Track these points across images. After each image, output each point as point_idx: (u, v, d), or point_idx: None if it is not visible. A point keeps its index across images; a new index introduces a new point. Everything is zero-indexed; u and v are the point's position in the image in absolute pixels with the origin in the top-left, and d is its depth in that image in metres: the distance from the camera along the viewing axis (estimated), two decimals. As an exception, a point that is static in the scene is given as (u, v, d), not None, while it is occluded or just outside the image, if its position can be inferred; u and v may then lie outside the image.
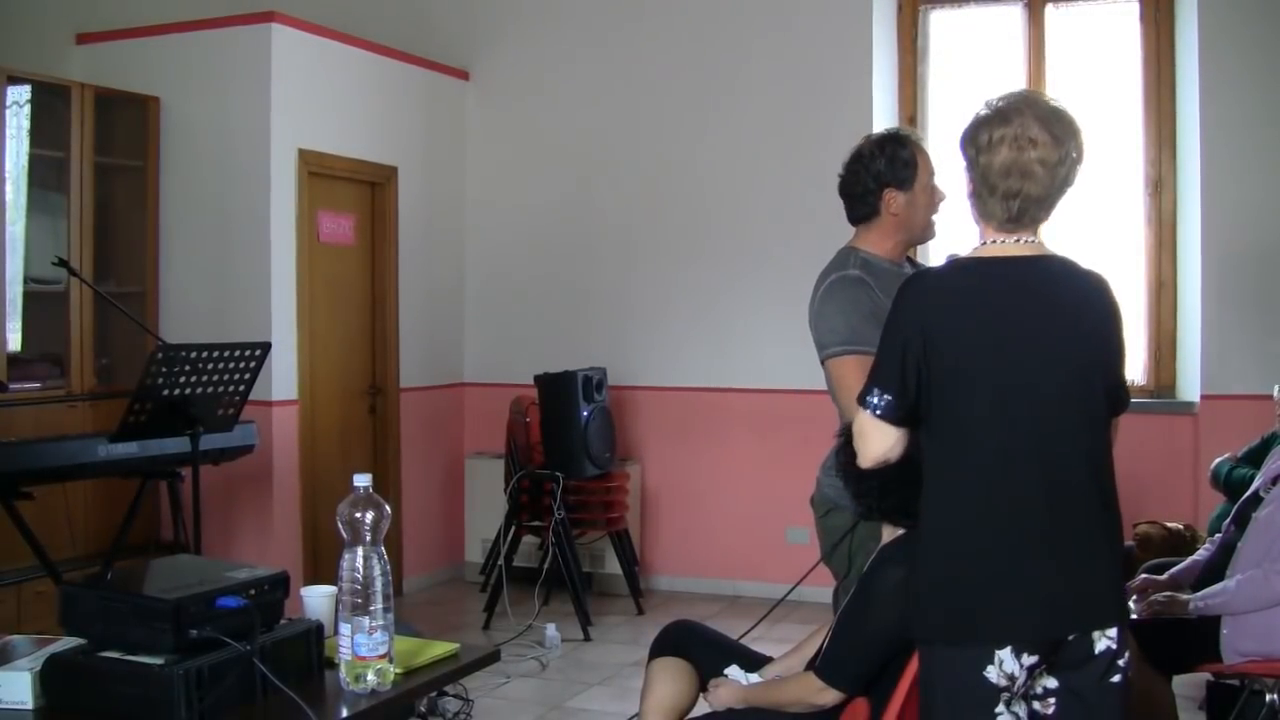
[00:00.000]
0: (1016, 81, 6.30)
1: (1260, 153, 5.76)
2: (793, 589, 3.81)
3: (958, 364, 2.23)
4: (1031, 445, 2.23)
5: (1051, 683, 2.26)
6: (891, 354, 2.28)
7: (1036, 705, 2.27)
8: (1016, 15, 6.41)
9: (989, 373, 2.23)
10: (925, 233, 3.30)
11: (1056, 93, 6.16)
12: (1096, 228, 6.17)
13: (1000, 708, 2.22)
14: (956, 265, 2.37)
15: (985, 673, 2.20)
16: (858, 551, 3.15)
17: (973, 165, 2.31)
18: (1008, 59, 6.41)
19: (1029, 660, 2.21)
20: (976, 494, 2.25)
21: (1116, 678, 2.27)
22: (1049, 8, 6.34)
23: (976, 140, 2.29)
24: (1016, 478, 2.23)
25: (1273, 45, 5.75)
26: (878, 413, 2.28)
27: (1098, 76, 6.29)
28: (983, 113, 2.31)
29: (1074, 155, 2.28)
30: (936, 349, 2.23)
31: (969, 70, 6.50)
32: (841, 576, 3.23)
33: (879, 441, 2.31)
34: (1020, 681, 2.22)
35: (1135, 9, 6.18)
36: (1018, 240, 2.31)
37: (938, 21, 6.59)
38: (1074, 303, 2.31)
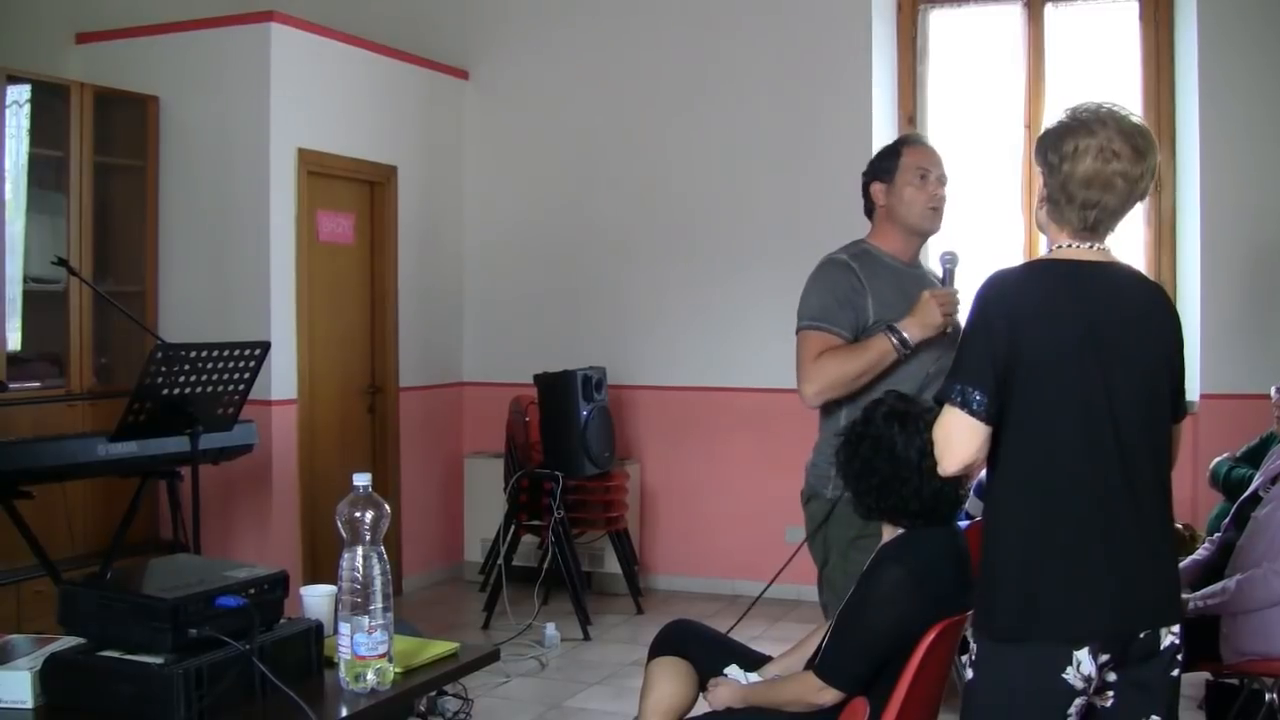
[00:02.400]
0: (1016, 81, 6.31)
1: (1259, 153, 5.77)
2: (768, 586, 3.86)
3: (1041, 360, 2.24)
4: (1111, 443, 2.25)
5: (1111, 677, 2.28)
6: (980, 351, 2.26)
7: (1097, 699, 2.29)
8: (1016, 15, 6.41)
9: (1071, 370, 2.25)
10: (921, 223, 3.35)
11: (1056, 92, 6.25)
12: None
13: (1072, 710, 2.23)
14: (1033, 266, 2.39)
15: (1064, 674, 2.21)
16: (832, 544, 3.22)
17: (1053, 172, 2.32)
18: (1007, 59, 6.41)
19: (1103, 659, 2.23)
20: (1059, 493, 2.25)
21: (1176, 671, 2.33)
22: (1048, 7, 6.34)
23: (1060, 148, 2.30)
24: (1098, 475, 2.25)
25: (1272, 45, 5.76)
26: (973, 410, 2.23)
27: (1097, 76, 6.29)
28: (1066, 121, 2.33)
29: (1152, 169, 2.32)
30: (1021, 345, 2.23)
31: (969, 70, 6.51)
32: (820, 566, 3.31)
33: (970, 441, 2.24)
34: (1095, 682, 2.23)
35: (1135, 8, 6.18)
36: (1090, 247, 2.34)
37: (937, 21, 6.59)
38: (1144, 307, 2.35)
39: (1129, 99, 6.15)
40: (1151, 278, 2.47)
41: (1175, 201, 6.11)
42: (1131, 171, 2.28)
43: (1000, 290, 2.32)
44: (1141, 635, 2.26)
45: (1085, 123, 2.30)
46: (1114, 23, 6.28)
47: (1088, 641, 2.20)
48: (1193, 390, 5.91)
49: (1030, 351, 2.24)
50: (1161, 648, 2.29)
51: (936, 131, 6.56)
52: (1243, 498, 3.81)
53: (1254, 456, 4.48)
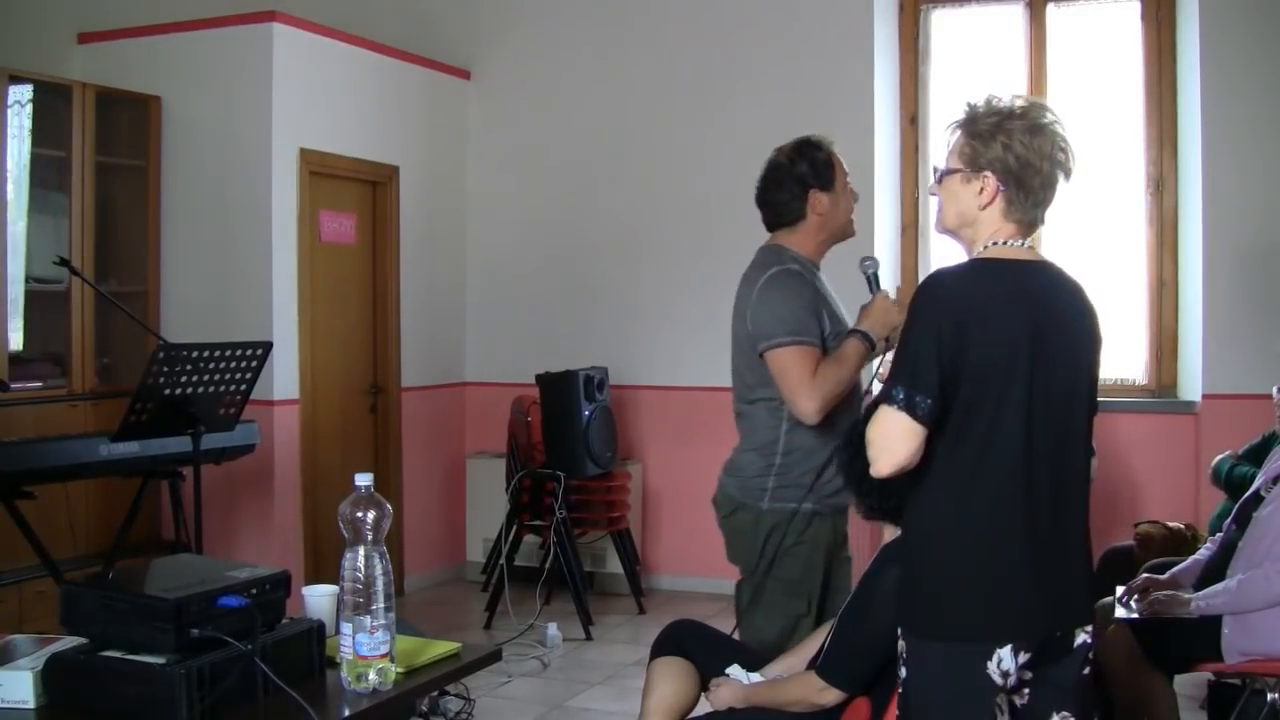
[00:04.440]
0: (1018, 81, 6.30)
1: (1261, 152, 5.76)
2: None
3: (986, 362, 2.23)
4: (1046, 445, 2.25)
5: (1027, 675, 2.29)
6: (925, 352, 2.21)
7: (1014, 697, 2.30)
8: (1018, 15, 6.41)
9: (1013, 372, 2.23)
10: (846, 230, 3.45)
11: (1058, 92, 6.24)
12: (1098, 227, 6.17)
13: (995, 703, 2.25)
14: (973, 267, 2.35)
15: (987, 670, 2.22)
16: (767, 553, 3.25)
17: (1001, 169, 2.29)
18: (1009, 58, 6.40)
19: (1024, 658, 2.24)
20: (995, 492, 2.25)
21: (1087, 670, 2.34)
22: (1050, 7, 6.34)
23: (1012, 146, 2.28)
24: (1033, 476, 2.25)
25: (1274, 44, 5.75)
26: (917, 414, 2.19)
27: (1099, 76, 6.29)
28: (1015, 123, 2.29)
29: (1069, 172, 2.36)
30: (968, 347, 2.21)
31: (971, 70, 6.50)
32: (748, 573, 3.35)
33: (909, 444, 2.20)
34: (1013, 678, 2.25)
35: (1136, 8, 6.18)
36: (1022, 244, 2.34)
37: (939, 21, 6.59)
38: (1071, 307, 2.35)
39: (1130, 98, 6.18)
40: (1075, 279, 2.43)
41: (1177, 201, 6.11)
42: (1072, 168, 2.34)
43: (944, 291, 2.28)
44: (1058, 634, 2.29)
45: (1035, 124, 2.31)
46: (1116, 22, 6.27)
47: (1016, 639, 2.22)
48: (1194, 390, 5.92)
49: (977, 355, 2.21)
50: (1075, 645, 2.32)
51: (938, 132, 6.56)
52: (1244, 497, 3.80)
53: (1256, 455, 4.48)
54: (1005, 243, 2.33)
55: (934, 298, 2.27)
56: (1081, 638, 2.32)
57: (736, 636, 3.35)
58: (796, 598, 3.27)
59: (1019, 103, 2.32)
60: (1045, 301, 2.30)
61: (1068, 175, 2.33)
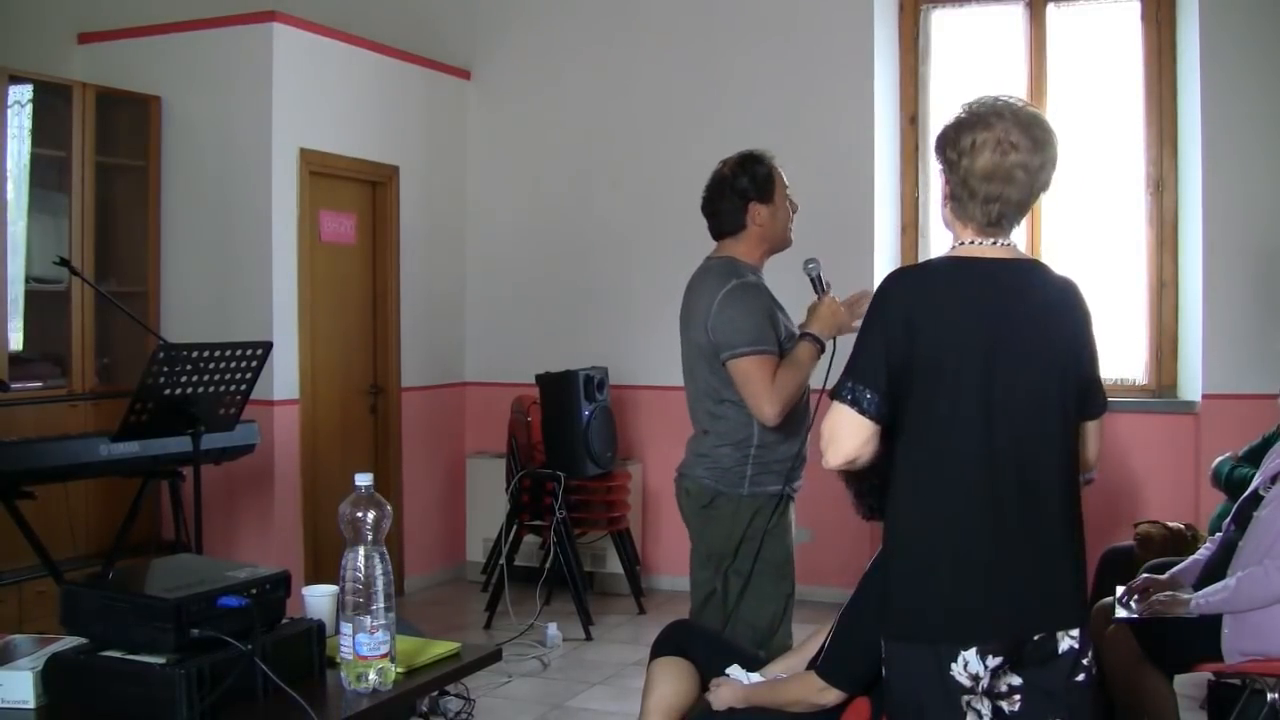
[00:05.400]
0: (1018, 81, 6.31)
1: (1262, 152, 5.76)
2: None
3: (938, 361, 2.23)
4: (1007, 445, 2.23)
5: (1016, 680, 2.26)
6: (874, 350, 2.24)
7: (1002, 703, 2.27)
8: (1018, 15, 6.41)
9: (968, 372, 2.23)
10: (784, 241, 3.64)
11: (1058, 92, 6.25)
12: (1098, 227, 6.17)
13: (963, 704, 2.23)
14: (935, 264, 2.36)
15: (950, 671, 2.22)
16: (748, 537, 3.43)
17: (952, 168, 2.30)
18: (1009, 59, 6.40)
19: (993, 662, 2.22)
20: (951, 493, 2.24)
21: (1081, 677, 2.29)
22: (1050, 7, 6.34)
23: (959, 144, 2.29)
24: (992, 478, 2.23)
25: (1274, 44, 5.75)
26: (864, 409, 2.22)
27: (1099, 76, 6.29)
28: (962, 116, 2.31)
29: (1052, 160, 2.30)
30: (918, 346, 2.22)
31: (971, 70, 6.50)
32: (730, 558, 3.49)
33: (854, 437, 2.24)
34: (984, 682, 2.23)
35: (1137, 8, 6.18)
36: (994, 243, 2.32)
37: (939, 21, 6.59)
38: (1048, 305, 2.32)
39: (1130, 98, 6.18)
40: (1060, 273, 2.39)
41: (1177, 201, 6.11)
42: (1031, 163, 2.26)
43: (900, 288, 2.30)
44: (1036, 638, 2.25)
45: (981, 116, 2.28)
46: (1116, 23, 6.27)
47: (974, 641, 2.21)
48: (1194, 390, 5.92)
49: (927, 352, 2.22)
50: (1059, 651, 2.26)
51: (938, 132, 6.56)
52: (1243, 497, 3.80)
53: (1256, 457, 4.47)
54: (974, 242, 2.32)
55: (887, 295, 2.29)
56: (1068, 642, 2.27)
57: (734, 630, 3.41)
58: (784, 579, 3.49)
59: (977, 112, 2.29)
60: (1009, 300, 2.27)
61: (1028, 171, 2.26)
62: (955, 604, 2.23)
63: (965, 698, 2.23)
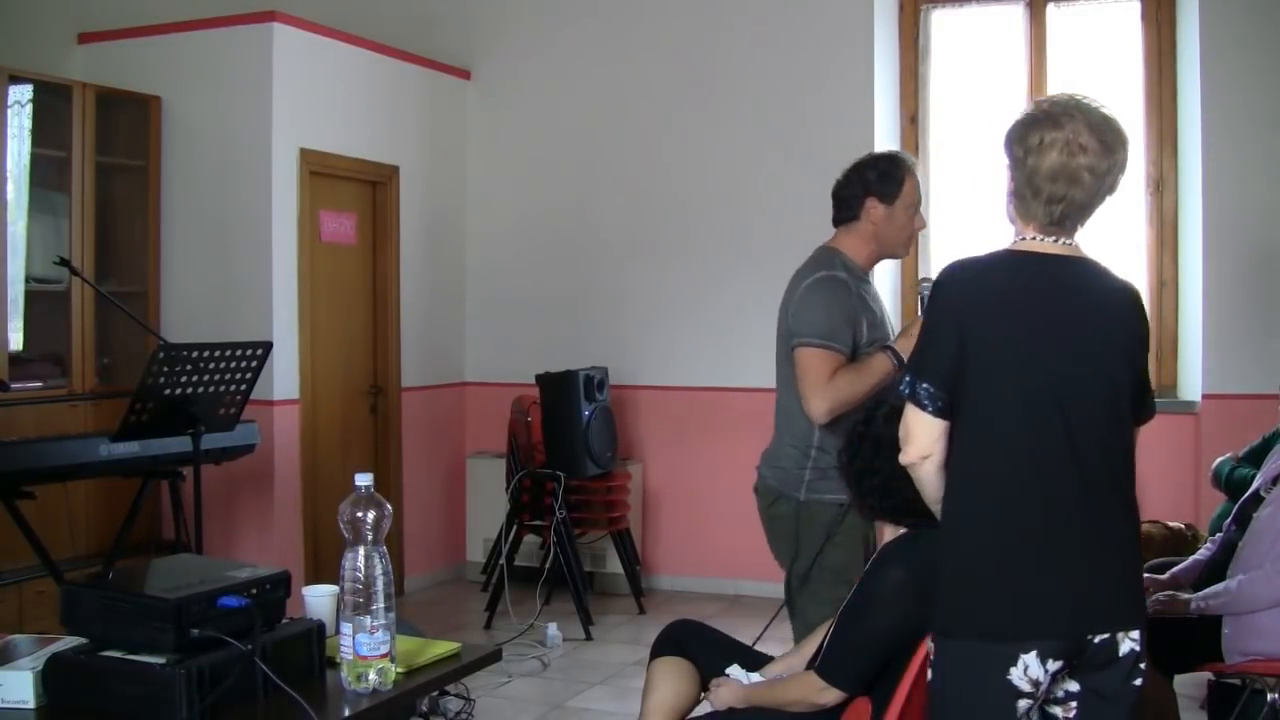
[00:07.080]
0: (1018, 81, 6.31)
1: (1262, 152, 5.76)
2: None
3: (994, 357, 2.21)
4: (1063, 443, 2.21)
5: (1073, 686, 2.24)
6: (932, 344, 2.26)
7: (1056, 710, 2.25)
8: (1018, 14, 6.40)
9: (1025, 367, 2.22)
10: (897, 250, 3.57)
11: (1057, 92, 6.23)
12: (1098, 227, 6.14)
13: (1019, 710, 2.19)
14: (995, 258, 2.34)
15: (1009, 676, 2.17)
16: (805, 543, 3.36)
17: (1018, 165, 2.29)
18: (1009, 58, 6.40)
19: (1054, 666, 2.18)
20: (1008, 489, 2.22)
21: (1138, 680, 2.25)
22: (1050, 7, 6.34)
23: (1026, 141, 2.27)
24: (1048, 475, 2.20)
25: (1274, 44, 5.75)
26: (924, 404, 2.24)
27: (1099, 76, 6.27)
28: (1033, 113, 2.29)
29: (1121, 164, 2.28)
30: (974, 341, 2.21)
31: (971, 70, 6.50)
32: (790, 562, 3.42)
33: (925, 434, 2.26)
34: (1043, 687, 2.19)
35: (1137, 8, 6.17)
36: (1056, 241, 2.31)
37: (939, 21, 6.58)
38: (1106, 306, 2.31)
39: (1130, 98, 6.17)
40: (1122, 276, 2.41)
41: (1177, 201, 6.11)
42: (1099, 165, 2.24)
43: (956, 281, 2.30)
44: (1096, 640, 2.20)
45: (1052, 115, 2.26)
46: (1116, 22, 6.27)
47: (1031, 643, 2.16)
48: (1194, 390, 5.92)
49: (980, 346, 2.21)
50: (1120, 654, 2.22)
51: (938, 132, 6.57)
52: (1244, 498, 3.80)
53: (1256, 457, 4.47)
54: (1034, 238, 2.31)
55: (945, 288, 2.30)
56: (1129, 644, 2.22)
57: (790, 625, 3.43)
58: (843, 584, 3.34)
59: (1049, 111, 2.28)
60: (1065, 296, 2.26)
61: (1095, 174, 2.25)
62: (1013, 601, 2.19)
63: (1022, 703, 2.18)
